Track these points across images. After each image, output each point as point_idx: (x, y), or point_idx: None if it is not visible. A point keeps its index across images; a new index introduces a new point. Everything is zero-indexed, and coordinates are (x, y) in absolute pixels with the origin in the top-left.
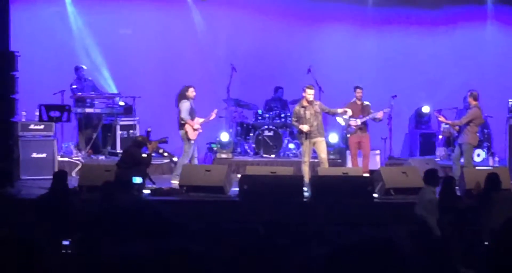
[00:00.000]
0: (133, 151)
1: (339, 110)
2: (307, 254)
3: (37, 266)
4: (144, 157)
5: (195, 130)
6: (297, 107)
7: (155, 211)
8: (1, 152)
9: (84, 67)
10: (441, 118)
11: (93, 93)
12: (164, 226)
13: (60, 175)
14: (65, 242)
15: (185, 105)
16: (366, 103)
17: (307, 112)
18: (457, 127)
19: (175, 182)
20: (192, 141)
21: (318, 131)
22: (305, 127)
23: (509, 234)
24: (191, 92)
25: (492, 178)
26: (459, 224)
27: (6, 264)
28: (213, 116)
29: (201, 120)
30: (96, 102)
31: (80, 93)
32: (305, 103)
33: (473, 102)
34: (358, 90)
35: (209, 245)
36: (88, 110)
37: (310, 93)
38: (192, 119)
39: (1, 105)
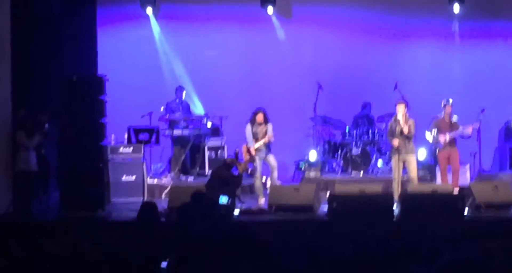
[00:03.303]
0: (222, 172)
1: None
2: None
3: None
4: (234, 178)
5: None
6: (391, 122)
7: (247, 232)
8: (91, 176)
9: (183, 87)
10: None
11: (179, 113)
12: (256, 247)
13: (148, 207)
14: (163, 264)
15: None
16: (455, 118)
17: (397, 128)
18: None
19: (261, 202)
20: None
21: (408, 148)
22: (395, 142)
23: None
24: (257, 118)
25: None
26: None
27: None
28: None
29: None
30: (185, 123)
31: (168, 115)
32: (397, 119)
33: None
34: (447, 106)
35: (301, 264)
36: (176, 132)
37: (398, 110)
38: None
39: (91, 129)
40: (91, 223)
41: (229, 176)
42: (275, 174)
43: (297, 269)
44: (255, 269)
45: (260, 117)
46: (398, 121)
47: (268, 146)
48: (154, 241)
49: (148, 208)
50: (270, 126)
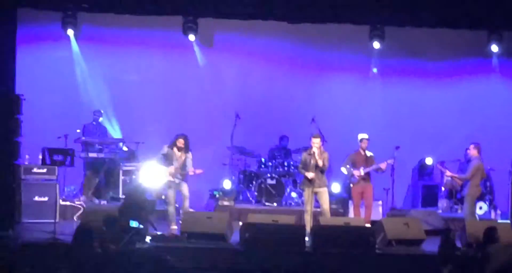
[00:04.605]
0: (136, 197)
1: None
2: None
3: None
4: (147, 203)
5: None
6: (304, 154)
7: (157, 258)
8: (3, 195)
9: (102, 111)
10: (448, 173)
11: (95, 136)
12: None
13: (85, 231)
14: None
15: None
16: (370, 153)
17: (312, 161)
18: (460, 181)
19: (173, 227)
20: (167, 186)
21: (321, 181)
22: (309, 174)
23: None
24: (178, 142)
25: (489, 233)
26: None
27: None
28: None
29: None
30: (100, 147)
31: (84, 138)
32: (312, 151)
33: (475, 154)
34: (364, 141)
35: None
36: (91, 154)
37: (315, 142)
38: (167, 165)
39: (5, 148)
40: (0, 243)
41: (142, 201)
42: (187, 203)
43: None
44: None
45: (181, 142)
46: (313, 154)
47: (185, 175)
48: (69, 264)
49: (84, 231)
50: (190, 156)
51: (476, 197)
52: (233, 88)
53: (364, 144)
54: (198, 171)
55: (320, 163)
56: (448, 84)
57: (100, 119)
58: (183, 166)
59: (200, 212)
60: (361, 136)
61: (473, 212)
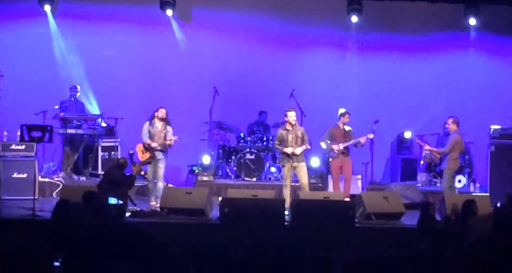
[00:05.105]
0: (115, 173)
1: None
2: None
3: None
4: (127, 179)
5: (144, 151)
6: (280, 130)
7: (136, 232)
8: None
9: (78, 87)
10: (426, 147)
11: (75, 114)
12: (145, 248)
13: (64, 208)
14: (56, 263)
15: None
16: (349, 128)
17: (290, 136)
18: (438, 155)
19: (153, 203)
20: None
21: (299, 156)
22: (289, 150)
23: (479, 256)
24: (159, 112)
25: (468, 205)
26: (438, 246)
27: None
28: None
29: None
30: (79, 123)
31: (62, 114)
32: (288, 127)
33: (453, 128)
34: (346, 115)
35: (190, 268)
36: (70, 131)
37: (291, 115)
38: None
39: None
40: None
41: (121, 176)
42: (160, 184)
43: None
44: (145, 269)
45: (162, 111)
46: (291, 130)
47: (166, 151)
48: (51, 240)
49: (63, 207)
50: (170, 130)
51: (455, 171)
52: (212, 63)
53: (345, 119)
54: (174, 138)
55: (306, 146)
56: (426, 58)
57: (77, 95)
58: (163, 139)
59: (179, 188)
60: (342, 110)
61: (451, 186)
